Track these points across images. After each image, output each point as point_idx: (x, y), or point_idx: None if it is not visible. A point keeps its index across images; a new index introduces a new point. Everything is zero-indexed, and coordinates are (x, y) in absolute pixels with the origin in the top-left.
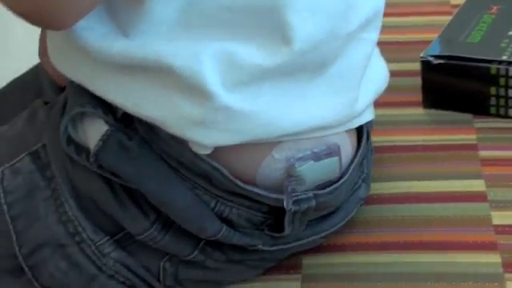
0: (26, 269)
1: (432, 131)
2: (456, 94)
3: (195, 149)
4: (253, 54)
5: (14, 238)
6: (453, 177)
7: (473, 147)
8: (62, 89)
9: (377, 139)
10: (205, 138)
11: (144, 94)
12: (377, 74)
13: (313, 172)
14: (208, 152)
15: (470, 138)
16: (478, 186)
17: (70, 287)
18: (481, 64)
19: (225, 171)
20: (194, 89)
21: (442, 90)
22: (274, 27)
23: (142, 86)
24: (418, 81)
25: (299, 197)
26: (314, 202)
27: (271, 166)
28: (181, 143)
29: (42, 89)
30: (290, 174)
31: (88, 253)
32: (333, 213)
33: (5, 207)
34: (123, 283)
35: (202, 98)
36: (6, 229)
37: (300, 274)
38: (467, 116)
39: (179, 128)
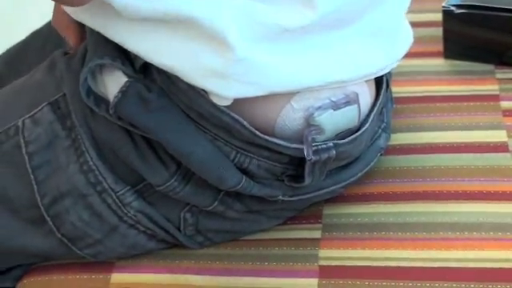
0: (48, 219)
1: (453, 82)
2: (478, 44)
3: (215, 100)
4: (275, 15)
5: (36, 188)
6: (474, 127)
7: (494, 98)
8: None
9: (398, 90)
10: (225, 89)
11: (166, 44)
12: (402, 34)
13: (332, 121)
14: (227, 103)
15: (491, 88)
16: (499, 136)
17: (91, 237)
18: (503, 13)
19: (244, 122)
20: (214, 40)
21: (463, 40)
22: None
23: (165, 35)
24: (439, 31)
25: (319, 146)
26: (334, 152)
27: (290, 116)
28: (200, 94)
29: (62, 40)
30: (310, 123)
31: (109, 202)
32: (352, 162)
33: (26, 157)
34: (144, 232)
35: (222, 50)
36: (27, 179)
37: (321, 223)
38: (489, 66)
39: (199, 79)
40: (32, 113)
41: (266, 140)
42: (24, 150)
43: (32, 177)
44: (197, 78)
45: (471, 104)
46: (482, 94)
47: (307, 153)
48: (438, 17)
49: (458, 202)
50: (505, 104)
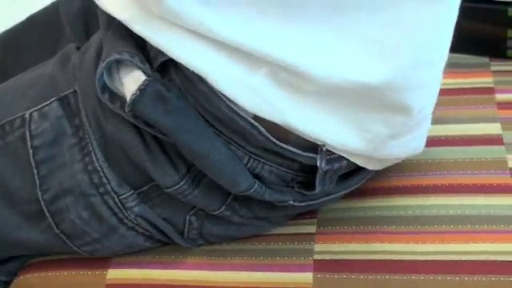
0: (48, 215)
1: (448, 74)
2: (472, 36)
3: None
4: None
5: (38, 183)
6: (469, 120)
7: (489, 90)
8: (83, 24)
9: None
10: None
11: (210, 56)
12: None
13: None
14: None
15: (486, 81)
16: (494, 129)
17: (89, 235)
18: (498, 6)
19: (262, 129)
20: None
21: (458, 33)
22: None
23: (211, 49)
24: None
25: (332, 156)
26: (345, 162)
27: None
28: (220, 98)
29: (61, 25)
30: None
31: (110, 205)
32: (361, 168)
33: (30, 151)
34: (142, 234)
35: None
36: (29, 173)
37: (316, 218)
38: (484, 59)
39: (232, 92)
40: (40, 106)
41: (282, 147)
42: (29, 144)
43: (35, 171)
44: (229, 89)
45: (466, 97)
46: (476, 86)
47: (320, 162)
48: None
49: (453, 196)
50: (499, 97)
